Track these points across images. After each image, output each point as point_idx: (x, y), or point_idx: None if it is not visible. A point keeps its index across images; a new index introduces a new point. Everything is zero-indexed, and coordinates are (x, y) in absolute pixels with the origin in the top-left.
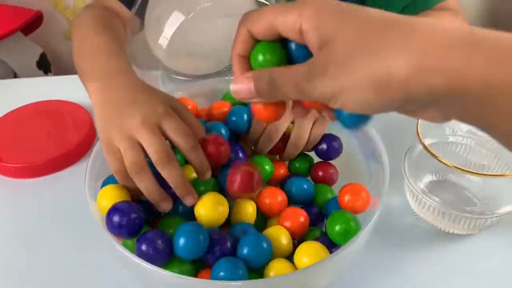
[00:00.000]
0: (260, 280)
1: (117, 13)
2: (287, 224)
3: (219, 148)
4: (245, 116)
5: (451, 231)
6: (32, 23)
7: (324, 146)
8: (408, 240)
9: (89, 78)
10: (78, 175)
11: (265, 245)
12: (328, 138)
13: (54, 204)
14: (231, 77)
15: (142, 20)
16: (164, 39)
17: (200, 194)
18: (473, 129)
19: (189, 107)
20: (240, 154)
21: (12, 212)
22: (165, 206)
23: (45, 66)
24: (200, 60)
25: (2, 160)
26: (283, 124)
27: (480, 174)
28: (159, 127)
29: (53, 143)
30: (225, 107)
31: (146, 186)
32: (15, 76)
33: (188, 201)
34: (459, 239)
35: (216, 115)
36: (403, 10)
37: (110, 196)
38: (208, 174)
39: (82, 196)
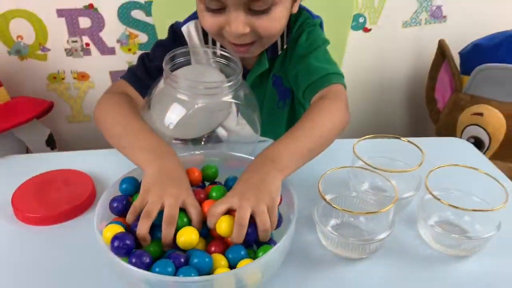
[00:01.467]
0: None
1: (134, 98)
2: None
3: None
4: None
5: (348, 256)
6: (45, 110)
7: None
8: (320, 266)
9: (141, 151)
10: (84, 223)
11: (207, 259)
12: None
13: (66, 246)
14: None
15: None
16: (171, 124)
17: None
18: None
19: None
20: None
21: (33, 249)
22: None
23: (52, 143)
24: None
25: (26, 211)
26: None
27: (364, 213)
28: (183, 201)
29: (64, 199)
30: (196, 172)
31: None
32: (27, 151)
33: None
34: (353, 262)
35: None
36: (305, 91)
37: (112, 230)
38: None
39: (88, 238)
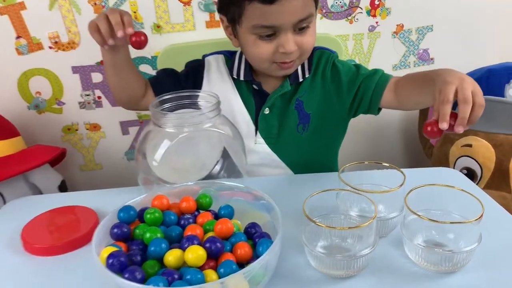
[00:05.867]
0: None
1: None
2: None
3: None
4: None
5: (336, 274)
6: (58, 158)
7: (250, 230)
8: (308, 286)
9: None
10: (88, 252)
11: (199, 275)
12: (254, 225)
13: (71, 273)
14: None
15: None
16: (156, 159)
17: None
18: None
19: (164, 201)
20: None
21: (39, 275)
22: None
23: (64, 189)
24: (184, 173)
25: (34, 243)
26: None
27: (347, 228)
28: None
29: (70, 231)
30: (190, 200)
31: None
32: None
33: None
34: (342, 280)
35: (184, 207)
36: (374, 91)
37: (109, 251)
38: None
39: (89, 266)
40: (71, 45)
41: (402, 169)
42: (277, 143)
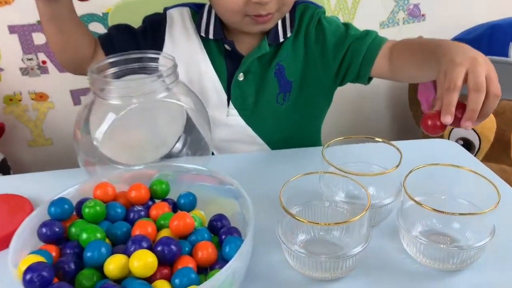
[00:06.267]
0: None
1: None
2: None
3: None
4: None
5: (321, 277)
6: None
7: (215, 223)
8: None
9: None
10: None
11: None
12: (220, 218)
13: None
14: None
15: None
16: (97, 137)
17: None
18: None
19: (109, 189)
20: None
21: None
22: None
23: (4, 169)
24: (139, 152)
25: None
26: None
27: (333, 224)
28: None
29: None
30: (142, 188)
31: None
32: None
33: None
34: (327, 283)
35: (133, 197)
36: (364, 56)
37: (29, 262)
38: None
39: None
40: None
41: (393, 142)
42: (253, 115)
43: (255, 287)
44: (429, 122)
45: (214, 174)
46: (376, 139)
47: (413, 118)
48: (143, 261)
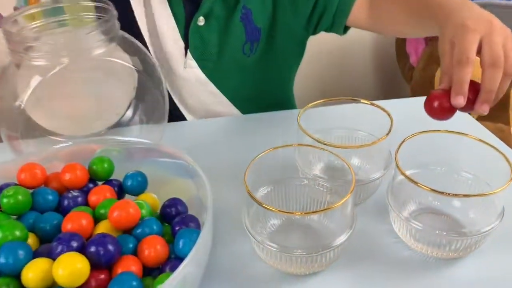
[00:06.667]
0: None
1: None
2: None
3: None
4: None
5: (296, 272)
6: None
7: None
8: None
9: None
10: None
11: None
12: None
13: None
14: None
15: None
16: (20, 102)
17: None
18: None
19: (37, 172)
20: None
21: None
22: None
23: None
24: (79, 122)
25: None
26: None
27: (304, 213)
28: None
29: None
30: (78, 168)
31: None
32: None
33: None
34: (304, 278)
35: (67, 180)
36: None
37: None
38: None
39: None
40: None
41: (381, 104)
42: (216, 68)
43: (217, 285)
44: (436, 104)
45: (165, 148)
46: (362, 101)
47: (401, 74)
48: (70, 268)
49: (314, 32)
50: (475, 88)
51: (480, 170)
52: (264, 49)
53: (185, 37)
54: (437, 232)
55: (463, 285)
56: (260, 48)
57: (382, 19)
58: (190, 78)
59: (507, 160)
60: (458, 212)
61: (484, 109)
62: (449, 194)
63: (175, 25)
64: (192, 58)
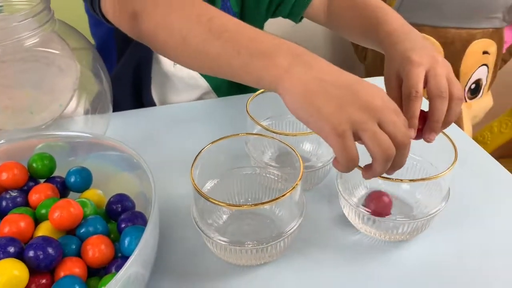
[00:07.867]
0: None
1: None
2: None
3: None
4: None
5: (246, 263)
6: None
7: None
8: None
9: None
10: None
11: None
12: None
13: None
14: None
15: None
16: None
17: None
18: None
19: None
20: None
21: None
22: None
23: None
24: (22, 115)
25: None
26: None
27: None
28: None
29: None
30: (15, 167)
31: None
32: None
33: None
34: (254, 268)
35: (4, 181)
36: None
37: None
38: None
39: None
40: None
41: None
42: None
43: (168, 282)
44: None
45: (109, 141)
46: None
47: (355, 53)
48: (7, 276)
49: (273, 15)
50: (422, 116)
51: (426, 153)
52: None
53: None
54: (384, 221)
55: (410, 267)
56: None
57: (338, 22)
58: (183, 76)
59: (452, 142)
60: (406, 194)
61: (432, 138)
62: (395, 179)
63: None
64: None
